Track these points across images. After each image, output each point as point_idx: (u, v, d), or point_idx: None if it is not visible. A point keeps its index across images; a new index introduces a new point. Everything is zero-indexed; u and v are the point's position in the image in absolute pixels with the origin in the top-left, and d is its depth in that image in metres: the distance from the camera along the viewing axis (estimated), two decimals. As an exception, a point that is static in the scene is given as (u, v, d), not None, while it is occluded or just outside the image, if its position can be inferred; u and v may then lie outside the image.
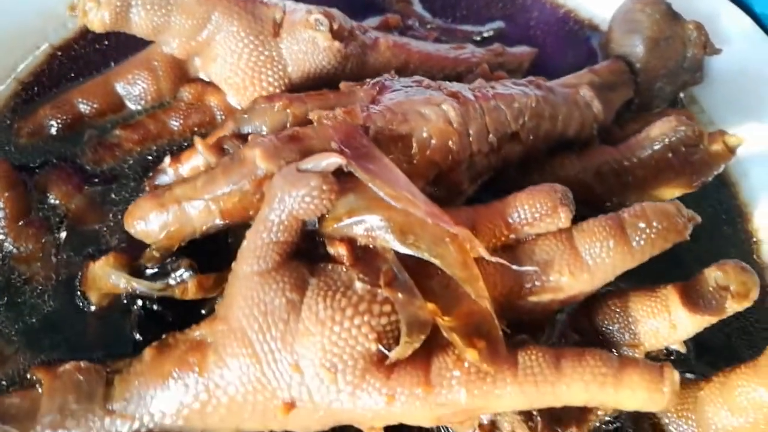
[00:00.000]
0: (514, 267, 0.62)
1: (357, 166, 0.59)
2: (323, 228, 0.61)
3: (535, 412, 0.62)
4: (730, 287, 0.62)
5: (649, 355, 0.67)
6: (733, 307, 0.62)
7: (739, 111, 0.91)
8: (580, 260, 0.62)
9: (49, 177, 0.75)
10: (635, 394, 0.57)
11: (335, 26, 0.73)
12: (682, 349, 0.68)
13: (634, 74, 0.87)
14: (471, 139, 0.69)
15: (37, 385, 0.61)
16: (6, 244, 0.72)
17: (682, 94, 0.93)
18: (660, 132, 0.77)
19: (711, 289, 0.63)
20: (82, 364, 0.61)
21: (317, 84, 0.74)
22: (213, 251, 0.67)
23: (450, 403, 0.57)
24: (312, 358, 0.57)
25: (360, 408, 0.58)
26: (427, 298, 0.59)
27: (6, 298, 0.70)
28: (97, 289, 0.68)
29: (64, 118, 0.79)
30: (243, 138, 0.68)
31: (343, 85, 0.71)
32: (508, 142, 0.73)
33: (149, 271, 0.66)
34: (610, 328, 0.67)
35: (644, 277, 0.67)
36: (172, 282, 0.64)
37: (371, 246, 0.61)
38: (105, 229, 0.73)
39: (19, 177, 0.74)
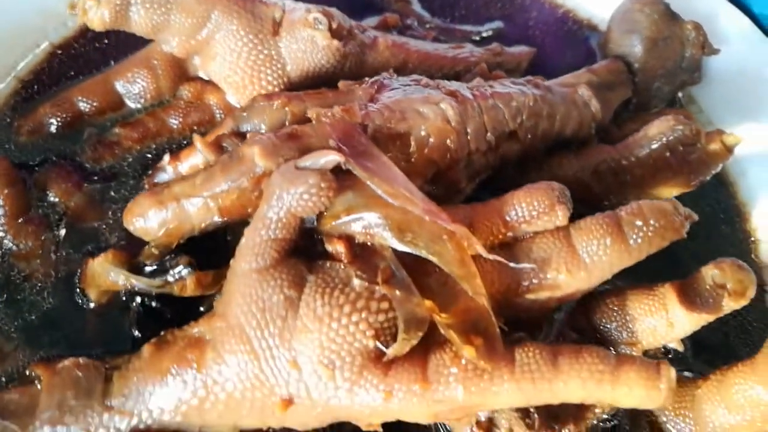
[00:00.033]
0: (512, 264, 0.62)
1: (355, 163, 0.59)
2: (321, 225, 0.61)
3: (532, 410, 0.62)
4: (727, 285, 0.62)
5: (646, 354, 0.67)
6: (730, 305, 0.62)
7: (737, 111, 0.91)
8: (577, 258, 0.63)
9: (49, 175, 0.75)
10: (632, 391, 0.57)
11: (334, 25, 0.73)
12: (680, 348, 0.68)
13: (633, 74, 0.87)
14: (469, 137, 0.69)
15: (36, 382, 0.61)
16: (6, 241, 0.72)
17: (680, 94, 0.93)
18: (658, 131, 0.77)
19: (708, 287, 0.63)
20: (81, 360, 0.61)
21: (316, 83, 0.74)
22: (212, 249, 0.67)
23: (447, 400, 0.58)
24: (310, 354, 0.57)
25: (357, 404, 0.58)
26: (424, 295, 0.59)
27: (5, 295, 0.71)
28: (96, 286, 0.68)
29: (64, 116, 0.79)
30: (242, 136, 0.68)
31: (341, 83, 0.72)
32: (506, 141, 0.73)
33: (148, 269, 0.66)
34: (608, 326, 0.67)
35: (642, 276, 0.67)
36: (170, 279, 0.64)
37: (369, 243, 0.61)
38: (104, 226, 0.73)
39: (19, 174, 0.74)
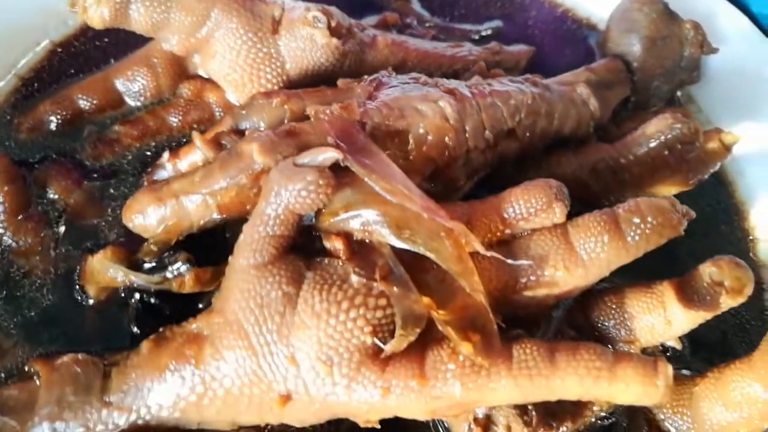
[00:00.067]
0: (509, 261, 0.62)
1: (353, 160, 0.59)
2: (320, 222, 0.62)
3: (530, 407, 0.62)
4: (725, 283, 0.62)
5: (644, 352, 0.67)
6: (727, 302, 0.62)
7: (736, 110, 0.91)
8: (574, 255, 0.63)
9: (49, 172, 0.76)
10: (629, 388, 0.57)
11: (333, 23, 0.73)
12: (678, 346, 0.68)
13: (631, 73, 0.87)
14: (467, 135, 0.69)
15: (35, 378, 0.62)
16: (5, 237, 0.72)
17: (679, 93, 0.94)
18: (656, 129, 0.77)
19: (705, 284, 0.63)
20: (80, 356, 0.62)
21: (315, 81, 0.74)
22: (210, 246, 0.67)
23: (445, 396, 0.58)
24: (308, 350, 0.57)
25: (355, 401, 0.58)
26: (422, 292, 0.59)
27: (5, 292, 0.71)
28: (95, 283, 0.68)
29: (64, 113, 0.79)
30: (241, 134, 0.68)
31: (340, 81, 0.72)
32: (505, 139, 0.73)
33: (147, 265, 0.66)
34: (606, 324, 0.67)
35: (640, 274, 0.67)
36: (169, 275, 0.64)
37: (367, 240, 0.61)
38: (103, 223, 0.74)
39: (19, 172, 0.74)
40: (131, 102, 0.81)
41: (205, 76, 0.79)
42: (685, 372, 0.70)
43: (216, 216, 0.65)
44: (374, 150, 0.62)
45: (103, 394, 0.60)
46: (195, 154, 0.69)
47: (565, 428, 0.64)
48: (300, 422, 0.61)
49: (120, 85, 0.80)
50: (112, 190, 0.76)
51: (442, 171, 0.69)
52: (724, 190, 0.89)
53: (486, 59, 0.86)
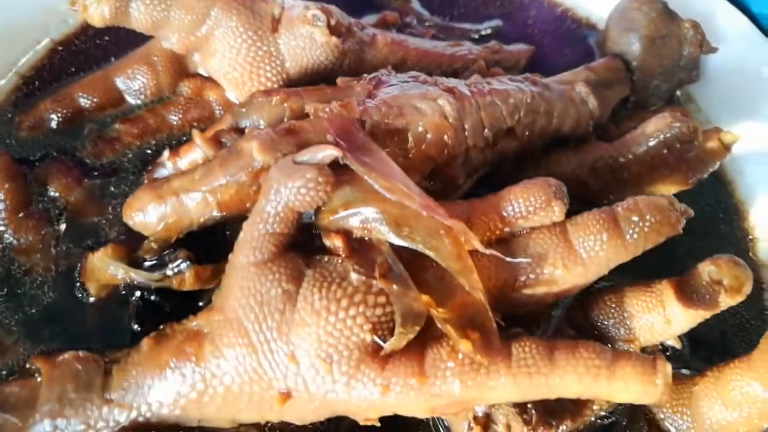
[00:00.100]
0: (508, 259, 0.62)
1: (352, 158, 0.59)
2: (319, 220, 0.62)
3: (529, 405, 0.62)
4: (724, 281, 0.62)
5: (644, 351, 0.67)
6: (726, 301, 0.63)
7: (735, 109, 0.91)
8: (573, 253, 0.63)
9: (50, 170, 0.76)
10: (628, 386, 0.57)
11: (333, 22, 0.74)
12: (677, 345, 0.68)
13: (631, 72, 0.88)
14: (466, 133, 0.69)
15: (37, 375, 0.62)
16: (6, 235, 0.72)
17: (678, 93, 0.94)
18: (655, 128, 0.78)
19: (704, 283, 0.63)
20: (81, 353, 0.62)
21: (315, 79, 0.75)
22: (210, 243, 0.67)
23: (444, 394, 0.58)
24: (307, 348, 0.57)
25: (355, 398, 0.58)
26: (421, 289, 0.59)
27: (6, 289, 0.71)
28: (96, 280, 0.69)
29: (65, 112, 0.80)
30: (241, 132, 0.68)
31: (340, 80, 0.72)
32: (504, 138, 0.73)
33: (147, 263, 0.66)
34: (606, 323, 0.67)
35: (640, 273, 0.67)
36: (169, 273, 0.65)
37: (367, 238, 0.61)
38: (104, 221, 0.74)
39: (20, 169, 0.74)
40: (131, 100, 0.81)
41: (205, 75, 0.79)
42: (684, 371, 0.70)
43: (216, 213, 0.65)
44: (373, 148, 0.62)
45: (104, 392, 0.60)
46: (195, 152, 0.70)
47: (564, 427, 0.64)
48: (300, 420, 0.62)
49: (120, 83, 0.81)
50: (112, 188, 0.76)
51: (442, 169, 0.69)
52: (723, 189, 0.89)
53: (485, 58, 0.86)
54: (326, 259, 0.61)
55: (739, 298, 0.63)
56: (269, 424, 0.63)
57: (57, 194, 0.75)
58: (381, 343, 0.58)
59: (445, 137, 0.68)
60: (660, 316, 0.65)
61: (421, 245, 0.60)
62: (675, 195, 0.67)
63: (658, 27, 0.87)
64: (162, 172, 0.71)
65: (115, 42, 0.86)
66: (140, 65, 0.80)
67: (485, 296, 0.59)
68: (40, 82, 0.85)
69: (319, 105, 0.66)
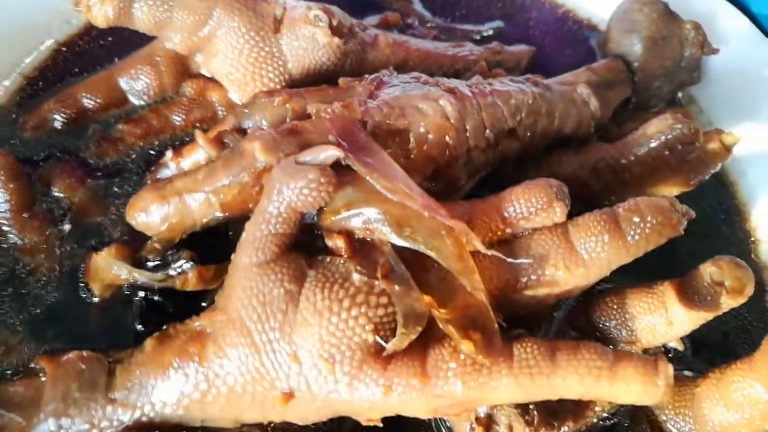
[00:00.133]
0: (510, 260, 0.62)
1: (354, 159, 0.60)
2: (321, 221, 0.62)
3: (531, 406, 0.62)
4: (725, 283, 0.62)
5: (646, 353, 0.67)
6: (728, 302, 0.63)
7: (737, 111, 0.91)
8: (575, 254, 0.63)
9: (53, 170, 0.76)
10: (630, 387, 0.57)
11: (335, 23, 0.74)
12: (680, 347, 0.68)
13: (632, 73, 0.88)
14: (468, 134, 0.70)
15: (41, 374, 0.62)
16: (11, 235, 0.73)
17: (680, 94, 0.94)
18: (656, 129, 0.78)
19: (706, 284, 0.63)
20: (85, 353, 0.62)
21: (317, 80, 0.75)
22: (213, 244, 0.68)
23: (446, 395, 0.58)
24: (310, 348, 0.57)
25: (357, 399, 0.58)
26: (423, 290, 0.59)
27: (11, 289, 0.71)
28: (99, 281, 0.69)
29: (68, 112, 0.80)
30: (243, 132, 0.69)
31: (342, 80, 0.72)
32: (505, 139, 0.73)
33: (151, 263, 0.67)
34: (607, 324, 0.67)
35: (642, 275, 0.67)
36: (172, 273, 0.65)
37: (369, 239, 0.61)
38: (108, 221, 0.74)
39: (24, 170, 0.74)
40: (135, 101, 0.81)
41: (208, 75, 0.79)
42: (686, 373, 0.70)
43: (219, 214, 0.65)
44: (375, 148, 0.62)
45: (108, 391, 0.60)
46: (198, 153, 0.70)
47: (566, 428, 0.64)
48: (302, 420, 0.62)
49: (124, 83, 0.81)
50: (116, 189, 0.76)
51: (443, 170, 0.69)
52: (725, 191, 0.89)
53: (487, 59, 0.86)
54: (328, 259, 0.61)
55: (741, 300, 0.63)
56: (272, 425, 0.63)
57: (61, 194, 0.75)
58: (383, 343, 0.58)
59: (447, 138, 0.68)
60: (662, 318, 0.65)
61: (422, 246, 0.60)
62: (676, 196, 0.67)
63: (660, 28, 0.87)
64: (165, 173, 0.72)
65: (118, 43, 0.86)
66: (143, 66, 0.80)
67: (487, 297, 0.59)
68: (43, 82, 0.85)
69: (321, 106, 0.66)
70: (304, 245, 0.62)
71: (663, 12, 0.87)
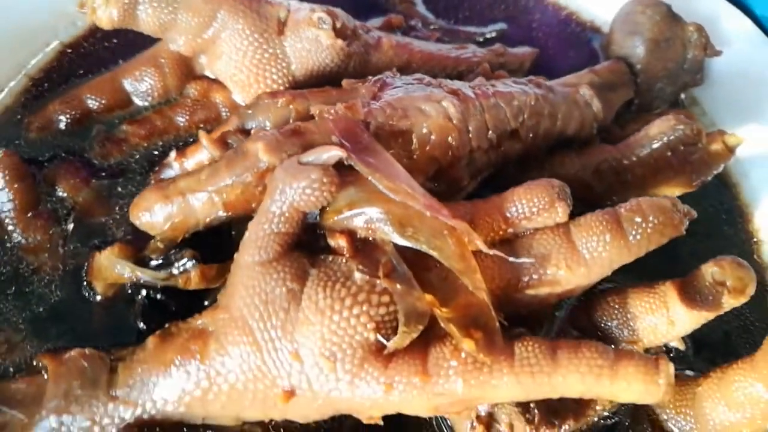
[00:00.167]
0: (512, 260, 0.62)
1: (357, 159, 0.60)
2: (324, 220, 0.62)
3: (532, 405, 0.62)
4: (727, 282, 0.62)
5: (648, 352, 0.67)
6: (729, 302, 0.63)
7: (740, 112, 0.91)
8: (577, 254, 0.63)
9: (58, 170, 0.76)
10: (631, 386, 0.57)
11: (338, 25, 0.74)
12: (681, 347, 0.68)
13: (635, 75, 0.88)
14: (471, 135, 0.70)
15: (43, 372, 0.62)
16: (15, 234, 0.73)
17: (683, 96, 0.94)
18: (659, 130, 0.78)
19: (708, 284, 0.63)
20: (87, 351, 0.62)
21: (321, 82, 0.75)
22: (216, 244, 0.68)
23: (447, 393, 0.58)
24: (311, 346, 0.58)
25: (358, 397, 0.58)
26: (425, 289, 0.59)
27: (14, 288, 0.72)
28: (102, 279, 0.69)
29: (73, 113, 0.81)
30: (247, 133, 0.69)
31: (345, 82, 0.72)
32: (508, 140, 0.74)
33: (153, 262, 0.67)
34: (609, 324, 0.67)
35: (643, 275, 0.67)
36: (175, 272, 0.65)
37: (371, 238, 0.61)
38: (111, 221, 0.74)
39: (29, 170, 0.75)
40: (139, 102, 0.82)
41: (212, 77, 0.80)
42: (688, 372, 0.70)
43: (222, 213, 0.65)
44: (378, 149, 0.63)
45: (110, 389, 0.60)
46: (201, 153, 0.70)
47: (567, 426, 0.64)
48: (303, 418, 0.62)
49: (128, 85, 0.82)
50: (119, 189, 0.77)
51: (446, 171, 0.70)
52: (728, 192, 0.89)
53: (490, 61, 0.86)
54: (330, 258, 0.61)
55: (743, 300, 0.63)
56: (273, 423, 0.63)
57: (65, 194, 0.76)
58: (384, 341, 0.58)
59: (449, 139, 0.68)
60: (663, 318, 0.65)
61: (424, 245, 0.60)
62: (679, 197, 0.67)
63: (663, 30, 0.87)
64: (169, 173, 0.72)
65: (123, 44, 0.87)
66: (148, 67, 0.81)
67: (488, 296, 0.59)
68: (48, 83, 0.86)
69: (324, 107, 0.66)
70: (307, 244, 0.62)
71: (666, 14, 0.87)
